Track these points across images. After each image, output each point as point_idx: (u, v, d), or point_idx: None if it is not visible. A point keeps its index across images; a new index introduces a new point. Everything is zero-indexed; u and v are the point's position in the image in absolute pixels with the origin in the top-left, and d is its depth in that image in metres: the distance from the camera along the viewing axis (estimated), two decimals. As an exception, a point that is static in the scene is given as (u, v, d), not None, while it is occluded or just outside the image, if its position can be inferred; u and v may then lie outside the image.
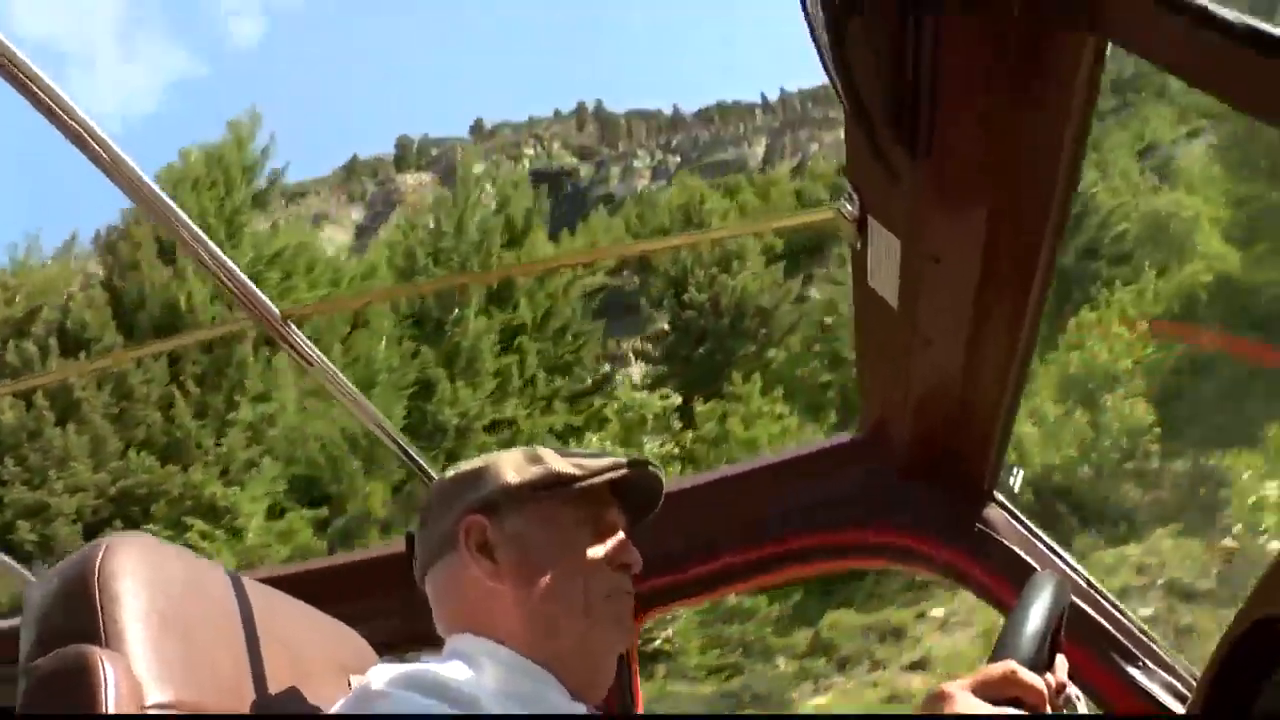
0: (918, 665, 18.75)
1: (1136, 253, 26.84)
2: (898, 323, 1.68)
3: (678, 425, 27.57)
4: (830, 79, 1.26)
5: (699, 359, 31.31)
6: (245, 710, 1.36)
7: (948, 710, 0.99)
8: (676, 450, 25.37)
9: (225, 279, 1.71)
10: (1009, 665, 1.04)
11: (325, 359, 2.00)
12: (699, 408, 27.38)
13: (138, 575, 1.33)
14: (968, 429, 1.95)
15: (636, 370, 34.27)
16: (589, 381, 30.93)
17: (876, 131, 1.32)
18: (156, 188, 1.53)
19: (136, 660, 1.25)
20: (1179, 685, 1.83)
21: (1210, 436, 19.77)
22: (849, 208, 1.59)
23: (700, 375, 30.40)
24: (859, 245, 1.63)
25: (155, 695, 1.23)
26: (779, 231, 27.29)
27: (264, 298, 1.81)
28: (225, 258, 1.70)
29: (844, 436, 2.26)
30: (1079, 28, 1.10)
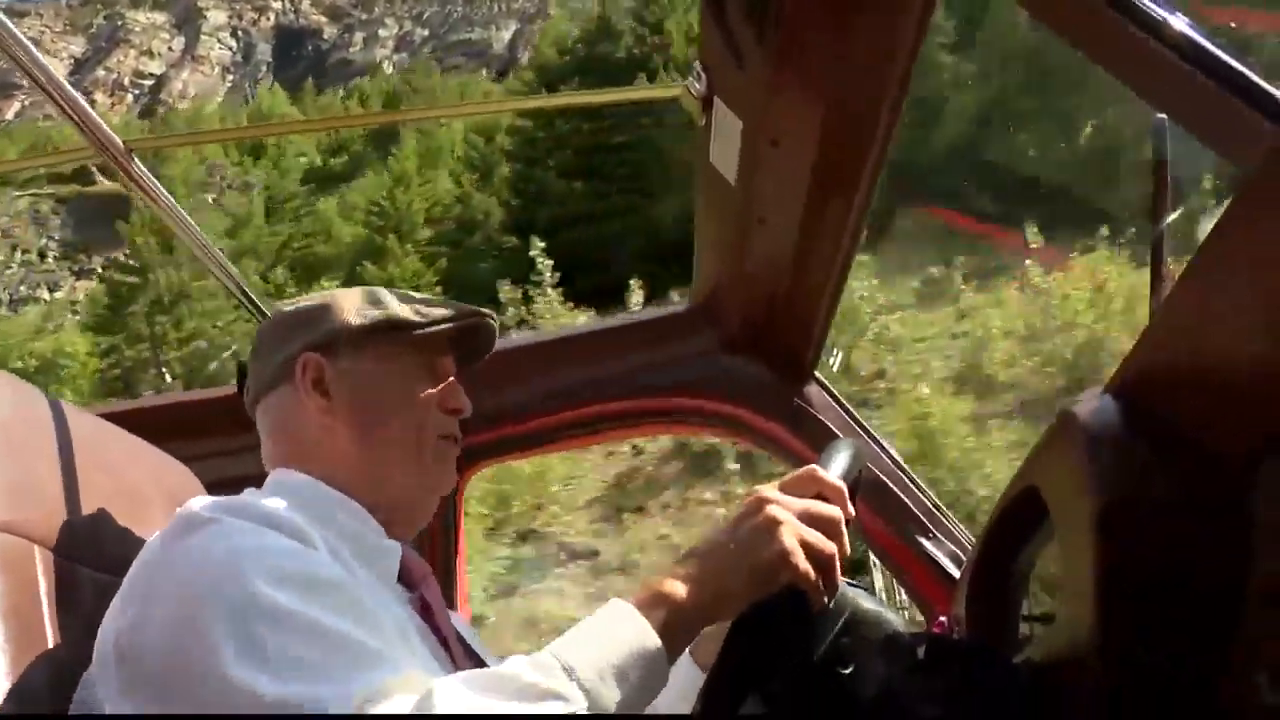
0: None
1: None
2: (735, 200, 1.74)
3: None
4: None
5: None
6: (66, 533, 1.36)
7: (751, 517, 1.11)
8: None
9: (67, 107, 1.65)
10: (811, 468, 1.17)
11: (168, 194, 1.96)
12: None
13: None
14: (794, 309, 2.04)
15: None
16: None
17: (728, 13, 1.36)
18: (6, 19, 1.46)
19: None
20: (961, 554, 1.99)
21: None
22: (697, 86, 1.63)
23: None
24: (704, 123, 1.68)
25: None
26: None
27: (107, 129, 1.76)
28: (67, 85, 1.64)
29: (677, 307, 2.34)
30: None
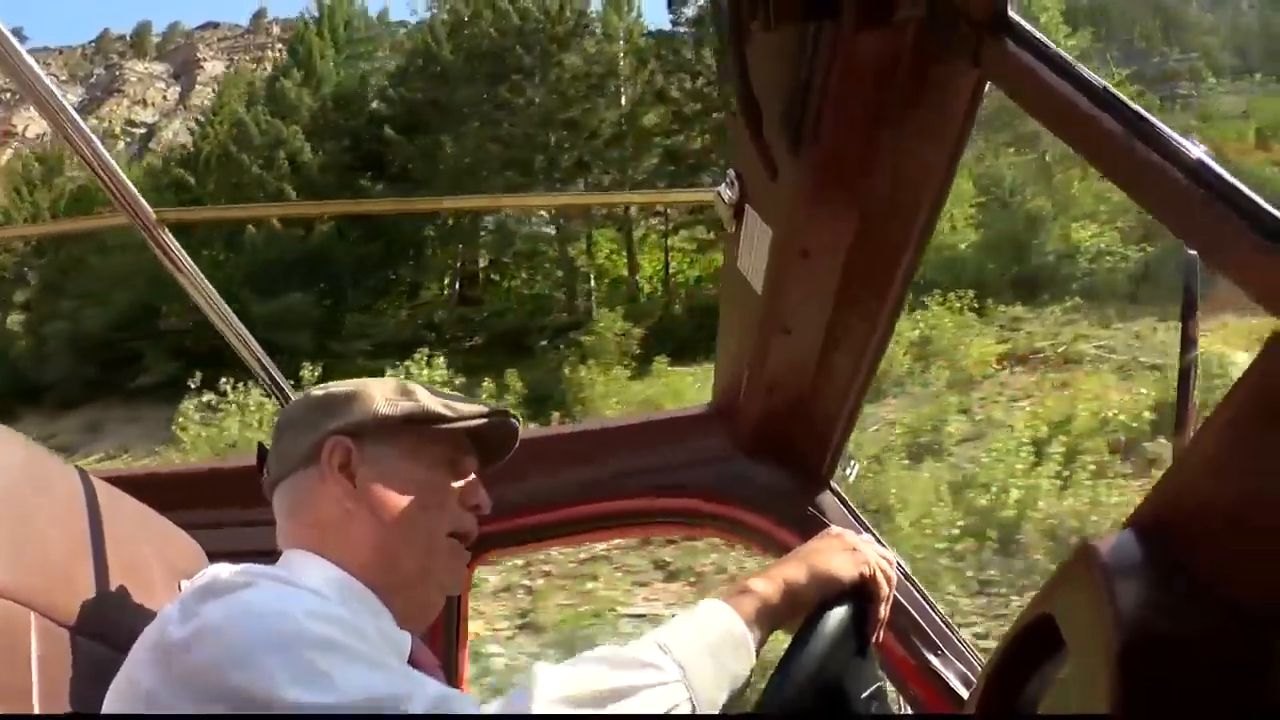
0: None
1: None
2: (760, 308, 1.75)
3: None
4: (728, 69, 1.31)
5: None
6: (65, 601, 1.36)
7: (831, 536, 1.43)
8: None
9: (104, 175, 1.69)
10: (865, 536, 1.47)
11: (195, 266, 1.98)
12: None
13: None
14: (813, 417, 2.03)
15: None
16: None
17: (763, 126, 1.38)
18: (44, 76, 1.50)
19: None
20: (970, 674, 1.96)
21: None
22: (728, 192, 1.64)
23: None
24: (733, 229, 1.69)
25: None
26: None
27: (140, 198, 1.79)
28: (106, 154, 1.68)
29: (696, 408, 2.33)
30: (963, 63, 1.17)
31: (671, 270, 32.03)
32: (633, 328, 24.67)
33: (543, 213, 31.16)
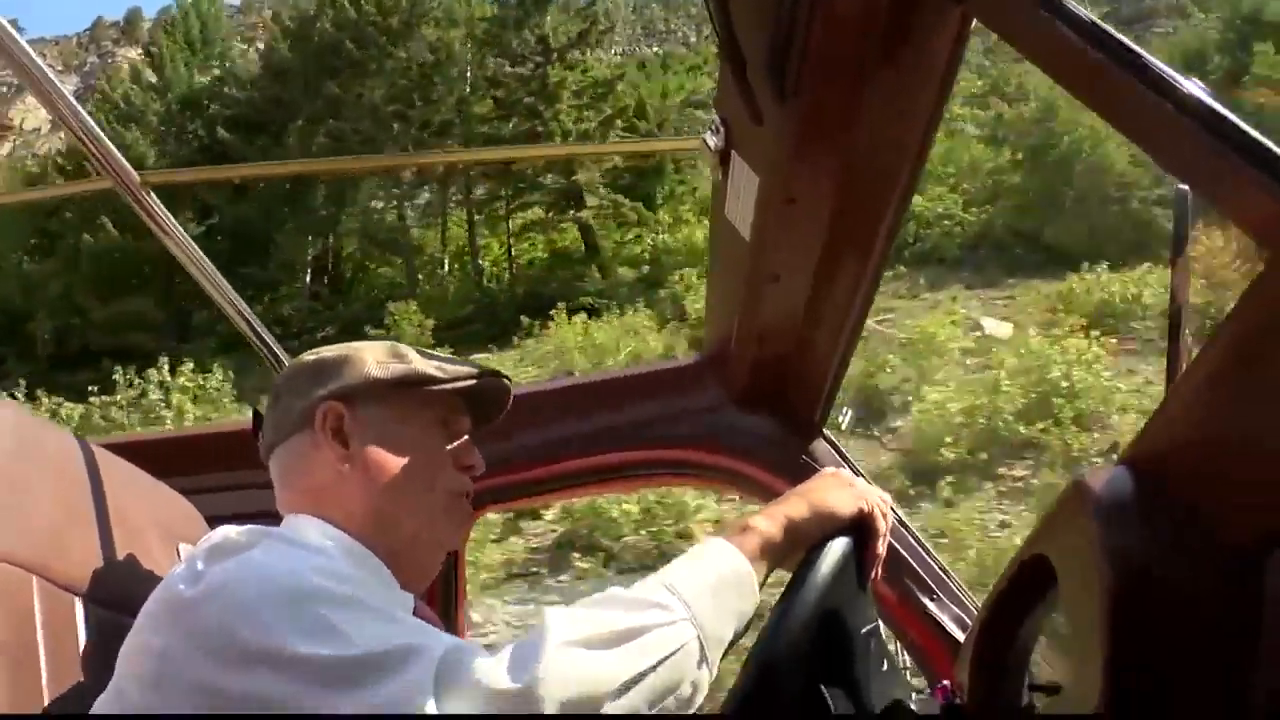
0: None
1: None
2: (749, 256, 1.74)
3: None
4: (710, 16, 1.29)
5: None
6: (65, 565, 1.36)
7: (828, 475, 1.41)
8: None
9: (87, 140, 1.67)
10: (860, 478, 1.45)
11: (181, 229, 1.96)
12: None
13: None
14: (804, 365, 2.04)
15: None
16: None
17: (748, 72, 1.37)
18: (21, 39, 1.48)
19: None
20: (965, 617, 1.97)
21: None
22: (714, 139, 1.62)
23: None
24: (720, 176, 1.68)
25: None
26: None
27: (124, 161, 1.77)
28: (87, 117, 1.66)
29: (688, 359, 2.33)
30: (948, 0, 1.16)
31: (514, 252, 32.10)
32: (426, 319, 24.88)
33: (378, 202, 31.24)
